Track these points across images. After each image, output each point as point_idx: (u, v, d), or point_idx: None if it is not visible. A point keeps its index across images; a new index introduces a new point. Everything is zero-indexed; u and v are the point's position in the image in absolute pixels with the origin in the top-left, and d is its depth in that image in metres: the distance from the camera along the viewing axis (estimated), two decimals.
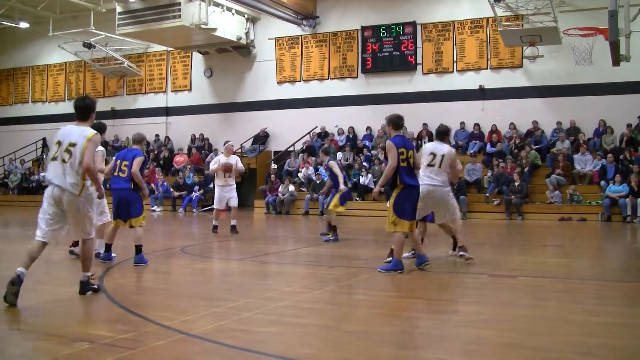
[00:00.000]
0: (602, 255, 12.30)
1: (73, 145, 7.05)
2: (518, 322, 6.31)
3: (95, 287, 7.51)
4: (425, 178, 9.69)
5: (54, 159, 7.12)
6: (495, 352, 5.27)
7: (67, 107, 33.40)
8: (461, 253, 10.15)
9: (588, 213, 20.38)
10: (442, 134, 10.43)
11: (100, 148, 9.63)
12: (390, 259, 9.45)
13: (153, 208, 25.08)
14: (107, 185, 11.28)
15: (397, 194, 9.12)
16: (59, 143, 7.14)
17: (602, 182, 20.93)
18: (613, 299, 7.72)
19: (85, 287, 7.35)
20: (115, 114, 32.01)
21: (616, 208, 19.90)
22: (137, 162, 10.01)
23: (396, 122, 9.38)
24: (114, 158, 10.39)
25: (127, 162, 10.04)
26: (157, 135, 30.92)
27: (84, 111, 7.40)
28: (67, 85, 34.05)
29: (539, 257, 11.46)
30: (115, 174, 10.10)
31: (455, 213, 10.18)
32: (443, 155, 9.87)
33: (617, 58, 16.84)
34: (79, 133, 7.13)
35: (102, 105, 32.27)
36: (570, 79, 23.44)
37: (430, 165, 9.83)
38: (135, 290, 8.49)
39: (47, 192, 7.11)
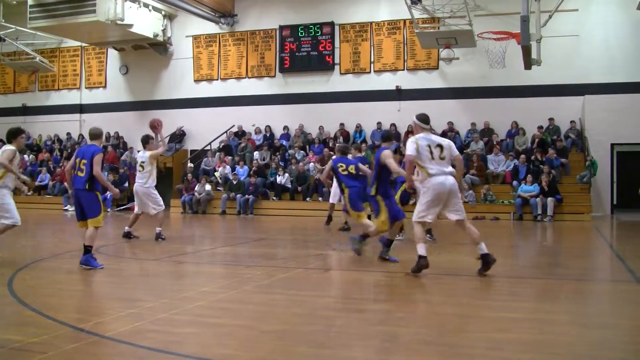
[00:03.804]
0: (513, 253, 12.60)
1: None
2: (432, 320, 6.43)
3: None
4: None
5: None
6: (409, 350, 5.34)
7: None
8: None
9: (501, 212, 20.92)
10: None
11: (10, 148, 10.10)
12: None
13: (66, 207, 24.42)
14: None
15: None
16: None
17: (514, 182, 21.53)
18: (523, 295, 7.94)
19: None
20: (26, 111, 31.13)
21: (527, 207, 20.51)
22: (97, 161, 9.37)
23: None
24: (74, 155, 9.84)
25: (85, 161, 9.38)
26: (68, 134, 30.20)
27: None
28: None
29: (454, 255, 11.67)
30: (75, 172, 9.50)
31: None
32: None
33: (528, 62, 17.38)
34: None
35: (12, 101, 31.41)
36: (485, 81, 24.01)
37: None
38: (48, 292, 8.23)
39: None
